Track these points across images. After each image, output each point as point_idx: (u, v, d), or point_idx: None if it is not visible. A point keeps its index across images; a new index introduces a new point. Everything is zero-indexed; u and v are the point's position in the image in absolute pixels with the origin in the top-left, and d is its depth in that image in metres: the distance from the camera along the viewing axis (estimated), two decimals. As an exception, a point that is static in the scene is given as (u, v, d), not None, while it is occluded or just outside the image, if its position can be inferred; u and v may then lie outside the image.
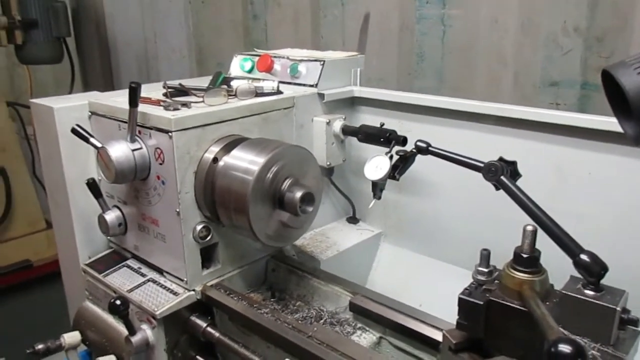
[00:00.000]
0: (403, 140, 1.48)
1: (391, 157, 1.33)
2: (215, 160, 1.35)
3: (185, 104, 1.42)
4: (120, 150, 1.34)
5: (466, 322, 0.84)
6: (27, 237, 3.39)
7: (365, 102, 1.75)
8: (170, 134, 1.28)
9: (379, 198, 1.39)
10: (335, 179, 1.79)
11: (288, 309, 1.45)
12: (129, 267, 1.56)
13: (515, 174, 1.13)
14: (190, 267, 1.40)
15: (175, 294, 1.41)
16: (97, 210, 1.54)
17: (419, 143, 1.27)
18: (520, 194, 1.03)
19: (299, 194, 1.25)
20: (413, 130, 1.64)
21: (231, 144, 1.38)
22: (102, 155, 1.35)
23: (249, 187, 1.23)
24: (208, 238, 1.41)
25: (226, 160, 1.32)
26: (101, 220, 1.53)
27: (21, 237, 3.39)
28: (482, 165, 1.11)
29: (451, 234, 1.66)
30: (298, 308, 1.46)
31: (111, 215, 1.53)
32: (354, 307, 1.38)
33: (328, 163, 1.65)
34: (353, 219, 1.86)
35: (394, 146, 1.44)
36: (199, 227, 1.39)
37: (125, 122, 1.38)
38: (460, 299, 0.85)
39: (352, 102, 1.77)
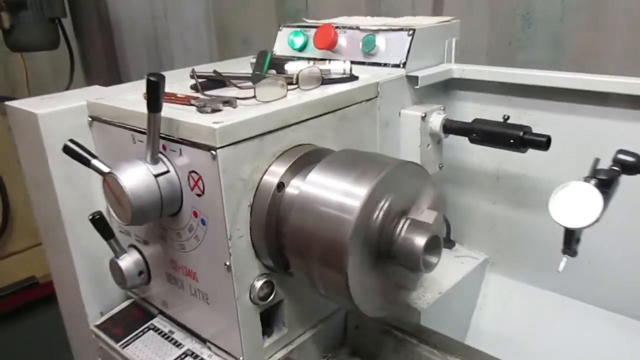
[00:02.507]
0: (547, 142, 1.01)
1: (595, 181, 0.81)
2: (281, 186, 0.90)
3: (228, 102, 0.96)
4: (137, 177, 0.88)
5: None
6: (30, 251, 2.95)
7: (464, 84, 1.27)
8: (213, 151, 0.83)
9: (574, 254, 0.92)
10: (422, 190, 1.34)
11: (388, 391, 1.02)
12: (156, 330, 1.13)
13: None
14: (247, 338, 0.96)
15: (228, 379, 0.97)
16: (107, 249, 1.10)
17: (622, 156, 0.80)
18: None
19: (422, 241, 0.80)
20: (541, 123, 1.17)
21: (302, 160, 0.92)
22: (110, 184, 0.90)
23: (347, 231, 0.78)
24: (271, 297, 0.97)
25: (301, 187, 0.86)
26: (114, 268, 1.09)
27: (23, 251, 2.97)
28: None
29: (597, 264, 1.20)
30: (402, 389, 1.02)
31: (127, 262, 1.09)
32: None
33: (422, 173, 1.19)
34: (448, 242, 1.40)
35: (543, 145, 0.95)
36: (258, 284, 0.94)
37: (142, 132, 0.93)
38: None
39: (446, 87, 1.29)
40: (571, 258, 1.24)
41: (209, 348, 1.04)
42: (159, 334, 1.11)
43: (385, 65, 1.20)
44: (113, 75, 3.06)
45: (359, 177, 0.81)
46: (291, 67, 1.15)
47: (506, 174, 1.26)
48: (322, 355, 1.11)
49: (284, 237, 0.89)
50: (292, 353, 1.04)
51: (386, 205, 0.79)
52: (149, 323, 1.14)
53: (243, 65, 1.31)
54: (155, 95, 0.83)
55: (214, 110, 0.93)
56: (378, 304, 0.85)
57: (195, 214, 0.92)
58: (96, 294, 1.19)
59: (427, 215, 0.83)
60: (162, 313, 1.15)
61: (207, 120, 0.85)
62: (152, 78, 0.82)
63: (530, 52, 1.56)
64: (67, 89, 2.68)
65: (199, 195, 0.89)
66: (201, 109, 0.93)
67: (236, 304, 0.92)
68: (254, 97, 0.96)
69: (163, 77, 0.83)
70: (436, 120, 1.16)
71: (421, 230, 0.81)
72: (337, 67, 1.14)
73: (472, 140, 1.11)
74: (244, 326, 0.95)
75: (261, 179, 0.90)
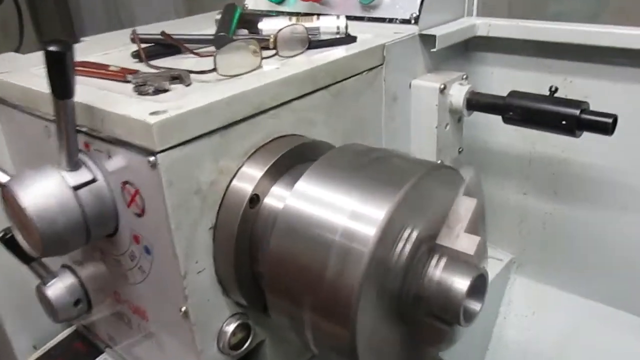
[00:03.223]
0: (612, 124, 0.76)
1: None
2: (255, 200, 0.64)
3: (177, 77, 0.68)
4: (45, 192, 0.61)
5: None
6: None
7: (489, 45, 1.00)
8: (152, 157, 0.56)
9: None
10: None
11: None
12: (102, 372, 0.88)
13: None
14: (217, 395, 0.72)
15: None
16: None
17: None
18: None
19: (463, 284, 0.54)
20: (590, 94, 0.92)
21: (285, 160, 0.66)
22: (10, 202, 0.63)
23: (358, 270, 0.52)
24: (247, 343, 0.72)
25: (286, 200, 0.60)
26: (42, 297, 0.83)
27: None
28: None
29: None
30: None
31: (58, 289, 0.82)
32: None
33: (439, 161, 0.93)
34: (464, 239, 1.15)
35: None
36: (229, 329, 0.69)
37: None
38: None
39: (466, 48, 1.02)
40: (616, 261, 1.01)
41: (169, 402, 0.79)
42: (106, 377, 0.87)
43: (390, 20, 0.92)
44: (68, 35, 2.70)
45: (372, 189, 0.55)
46: (267, 26, 0.87)
47: (541, 158, 1.02)
48: (316, 396, 0.88)
49: (257, 263, 0.64)
50: (277, 404, 0.80)
51: (414, 233, 0.54)
52: (93, 361, 0.90)
53: (208, 24, 1.03)
54: (60, 74, 0.55)
55: (158, 91, 0.65)
56: (395, 367, 0.61)
57: (136, 239, 0.66)
58: (25, 322, 0.93)
59: (465, 243, 0.58)
60: (109, 346, 0.90)
61: (142, 109, 0.58)
62: (52, 47, 0.54)
63: (564, 1, 1.28)
64: (17, 50, 2.35)
65: (138, 215, 0.63)
66: (139, 89, 0.66)
67: (199, 359, 0.67)
68: (215, 69, 0.69)
69: (70, 46, 0.54)
70: (458, 93, 0.89)
71: (462, 268, 0.55)
72: (328, 24, 0.86)
73: (507, 120, 0.85)
74: (212, 382, 0.70)
75: (227, 189, 0.64)
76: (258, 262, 0.65)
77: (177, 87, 0.67)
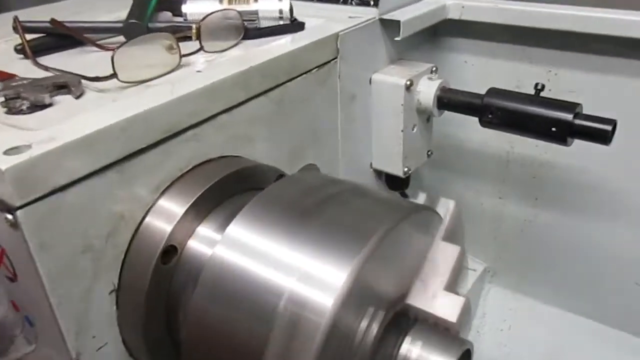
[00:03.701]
0: (611, 132, 0.63)
1: None
2: (172, 252, 0.48)
3: (64, 86, 0.51)
4: None
5: None
6: None
7: (461, 29, 0.86)
8: (9, 215, 0.39)
9: None
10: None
11: None
12: None
13: None
14: None
15: None
16: None
17: None
18: None
19: (445, 372, 0.41)
20: (578, 88, 0.79)
21: (212, 194, 0.50)
22: None
23: (311, 350, 0.38)
24: (175, 419, 0.57)
25: (214, 249, 0.44)
26: None
27: None
28: None
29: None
30: None
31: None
32: None
33: (406, 169, 0.79)
34: (433, 248, 1.03)
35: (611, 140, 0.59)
36: (148, 407, 0.54)
37: None
38: None
39: (434, 33, 0.87)
40: (600, 272, 0.91)
41: None
42: None
43: (345, 1, 0.76)
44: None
45: (329, 241, 0.40)
46: (192, 9, 0.70)
47: (520, 159, 0.89)
48: None
49: (181, 332, 0.50)
50: None
51: (384, 298, 0.40)
52: None
53: (120, 10, 0.84)
54: None
55: (34, 107, 0.49)
56: None
57: (14, 306, 0.50)
58: None
59: (445, 306, 0.45)
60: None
61: (-4, 142, 0.41)
62: None
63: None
64: None
65: (10, 280, 0.47)
66: (10, 105, 0.49)
67: None
68: (114, 74, 0.52)
69: None
70: (427, 90, 0.75)
71: (443, 345, 0.42)
72: (268, 7, 0.70)
73: (485, 123, 0.71)
74: None
75: (132, 240, 0.48)
76: (178, 325, 0.51)
77: (63, 100, 0.50)
